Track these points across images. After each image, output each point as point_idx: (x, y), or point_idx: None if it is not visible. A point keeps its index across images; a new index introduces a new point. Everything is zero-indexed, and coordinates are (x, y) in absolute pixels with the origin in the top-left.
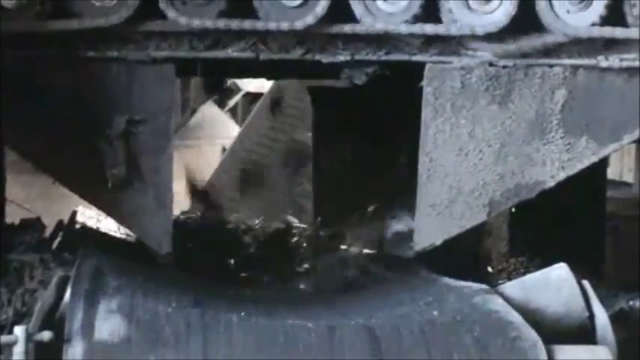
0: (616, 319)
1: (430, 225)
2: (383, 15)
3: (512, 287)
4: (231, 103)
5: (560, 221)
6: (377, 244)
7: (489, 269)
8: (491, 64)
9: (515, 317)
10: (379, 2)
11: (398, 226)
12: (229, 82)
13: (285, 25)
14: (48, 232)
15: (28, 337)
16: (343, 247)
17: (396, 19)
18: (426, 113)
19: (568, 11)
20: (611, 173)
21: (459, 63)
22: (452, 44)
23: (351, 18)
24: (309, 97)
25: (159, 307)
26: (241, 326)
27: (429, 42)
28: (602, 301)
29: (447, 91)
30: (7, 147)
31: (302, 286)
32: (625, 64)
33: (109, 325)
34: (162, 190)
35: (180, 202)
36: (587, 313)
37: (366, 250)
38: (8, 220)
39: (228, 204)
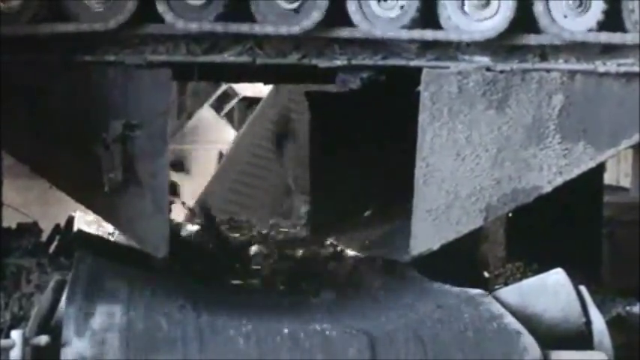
0: (613, 324)
1: (427, 230)
2: (379, 20)
3: (509, 292)
4: (228, 107)
5: (557, 226)
6: (372, 248)
7: (486, 274)
8: (488, 69)
9: (512, 322)
10: (375, 8)
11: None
12: (226, 86)
13: (283, 29)
14: (45, 237)
15: (25, 341)
16: (338, 251)
17: (392, 24)
18: (423, 118)
19: (565, 16)
20: (608, 178)
21: (456, 68)
22: (449, 49)
23: (348, 23)
24: (307, 101)
25: (155, 311)
26: (237, 330)
27: (426, 47)
28: (599, 306)
29: (444, 95)
30: (3, 151)
31: (298, 292)
32: (623, 69)
33: (105, 329)
34: (159, 194)
35: None
36: (584, 319)
37: (361, 255)
38: (5, 224)
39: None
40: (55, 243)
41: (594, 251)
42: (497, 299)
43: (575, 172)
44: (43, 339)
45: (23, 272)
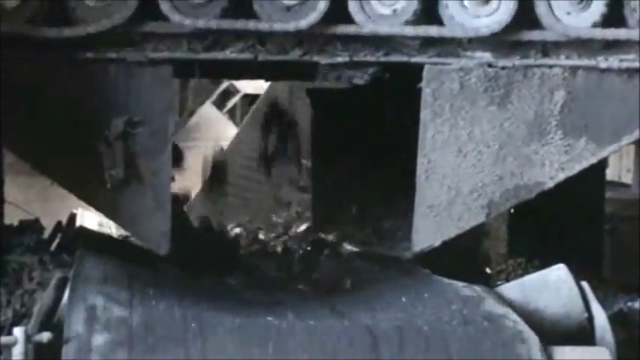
0: (615, 320)
1: (429, 226)
2: (381, 17)
3: (510, 288)
4: (230, 104)
5: (559, 222)
6: (374, 244)
7: (488, 270)
8: (490, 65)
9: (514, 318)
10: (377, 5)
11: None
12: (228, 84)
13: (289, 26)
14: (47, 234)
15: (27, 338)
16: (341, 247)
17: (393, 20)
18: (424, 114)
19: (568, 12)
20: (610, 174)
21: (457, 64)
22: (451, 46)
23: (350, 19)
24: (308, 99)
25: (158, 308)
26: (239, 327)
27: (428, 43)
28: (601, 302)
29: (445, 92)
30: (5, 148)
31: (300, 287)
32: (624, 64)
33: (107, 326)
34: (161, 191)
35: None
36: (586, 314)
37: (364, 251)
38: (7, 221)
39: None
40: (57, 240)
41: (596, 247)
42: (499, 295)
43: (577, 168)
44: (45, 336)
45: (25, 269)
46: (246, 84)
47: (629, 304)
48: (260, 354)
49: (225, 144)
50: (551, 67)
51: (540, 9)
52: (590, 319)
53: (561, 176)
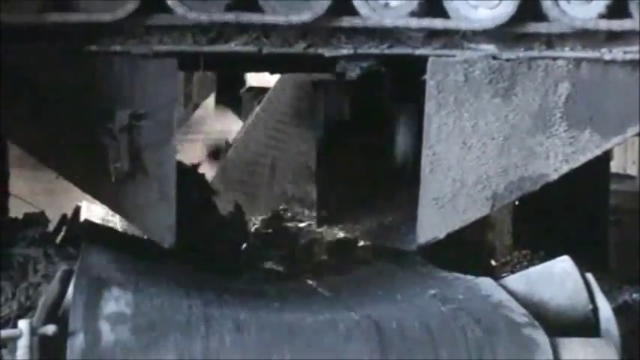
0: (620, 311)
1: (433, 218)
2: (385, 9)
3: (515, 280)
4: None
5: (563, 214)
6: (379, 236)
7: (493, 262)
8: (494, 57)
9: (520, 311)
10: None
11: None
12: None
13: (295, 19)
14: (52, 227)
15: (32, 331)
16: (345, 240)
17: (398, 12)
18: (429, 106)
19: (573, 4)
20: (615, 166)
21: (462, 56)
22: (455, 38)
23: (354, 11)
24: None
25: (163, 301)
26: (246, 321)
27: (432, 35)
28: (606, 294)
29: (450, 84)
30: (10, 141)
31: (306, 280)
32: (628, 56)
33: (113, 318)
34: (166, 184)
35: None
36: (590, 306)
37: (368, 243)
38: (12, 214)
39: None
40: (62, 233)
41: (601, 239)
42: (504, 287)
43: (582, 159)
44: (51, 328)
45: (30, 262)
46: (251, 77)
47: (634, 295)
48: (265, 345)
49: (229, 137)
50: (555, 59)
51: (545, 1)
52: (595, 310)
53: (566, 168)
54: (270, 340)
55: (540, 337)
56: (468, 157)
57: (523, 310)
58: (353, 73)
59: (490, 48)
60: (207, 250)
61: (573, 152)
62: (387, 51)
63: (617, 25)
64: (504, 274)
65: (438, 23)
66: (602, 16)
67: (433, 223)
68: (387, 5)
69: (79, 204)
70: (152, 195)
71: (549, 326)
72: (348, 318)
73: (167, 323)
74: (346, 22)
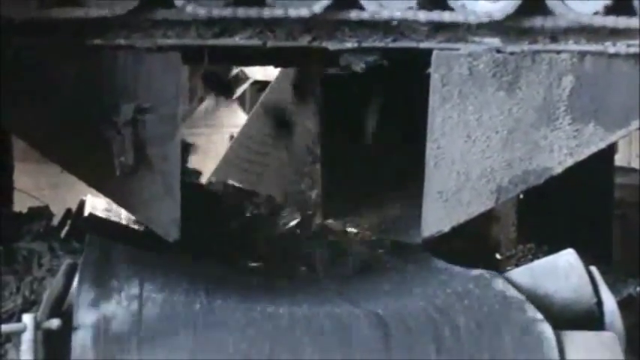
0: (624, 305)
1: (438, 212)
2: (389, 2)
3: (520, 274)
4: (239, 91)
5: (568, 208)
6: (384, 230)
7: (497, 256)
8: (498, 51)
9: (526, 304)
10: None
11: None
12: (237, 70)
13: (304, 12)
14: (56, 221)
15: (37, 325)
16: (351, 234)
17: (404, 5)
18: (433, 100)
19: None
20: (619, 159)
21: (466, 50)
22: (459, 31)
23: (358, 4)
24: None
25: (167, 295)
26: (250, 314)
27: (437, 29)
28: (611, 287)
29: (454, 77)
30: (14, 135)
31: (309, 274)
32: (632, 50)
33: (117, 312)
34: (170, 178)
35: None
36: (595, 300)
37: (373, 237)
38: (17, 208)
39: None
40: (67, 227)
41: (605, 232)
42: (509, 280)
43: (586, 153)
44: (55, 323)
45: (35, 256)
46: (256, 70)
47: (639, 289)
48: (270, 339)
49: (234, 131)
50: (559, 52)
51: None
52: (600, 304)
53: (570, 161)
54: (273, 335)
55: (546, 330)
56: (473, 151)
57: (528, 303)
58: (358, 66)
59: (494, 41)
60: (211, 243)
61: (577, 145)
62: (391, 44)
63: (623, 22)
64: (509, 268)
65: (446, 16)
66: (608, 11)
67: (438, 216)
68: None
69: (84, 198)
70: (157, 189)
71: (554, 319)
72: (351, 312)
73: (174, 319)
74: (353, 14)
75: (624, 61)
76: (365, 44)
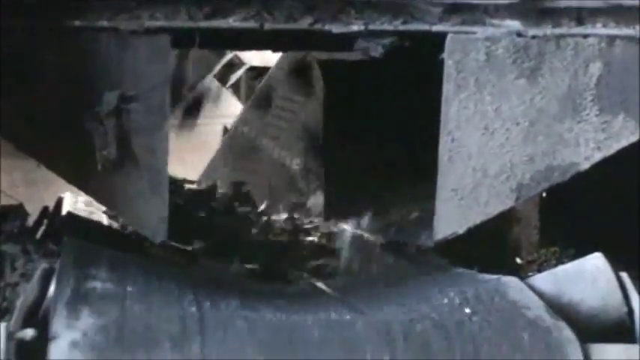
0: None
1: (452, 212)
2: None
3: (543, 280)
4: (234, 78)
5: (595, 207)
6: (392, 232)
7: (518, 260)
8: (519, 35)
9: (548, 312)
10: None
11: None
12: (232, 55)
13: None
14: (31, 221)
15: (9, 336)
16: (355, 236)
17: None
18: (447, 89)
19: None
20: None
21: (483, 33)
22: (476, 13)
23: None
24: (320, 72)
25: (152, 302)
26: (244, 322)
27: (451, 10)
28: None
29: (470, 64)
30: None
31: (310, 279)
32: None
33: (98, 322)
34: (158, 173)
35: None
36: (625, 309)
37: (380, 239)
38: None
39: None
40: (43, 227)
41: (636, 234)
42: (531, 287)
43: (615, 147)
44: (29, 333)
45: (7, 259)
46: (252, 55)
47: None
48: (266, 350)
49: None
50: (586, 36)
51: None
52: (631, 313)
53: (598, 156)
54: (270, 345)
55: (570, 342)
56: (491, 144)
57: (551, 313)
58: (375, 52)
59: (514, 24)
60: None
61: (606, 139)
62: (401, 27)
63: None
64: (531, 273)
65: None
66: None
67: (452, 216)
68: None
69: (62, 195)
70: (143, 185)
71: (580, 330)
72: (355, 318)
73: (159, 329)
74: None
75: None
76: (372, 27)
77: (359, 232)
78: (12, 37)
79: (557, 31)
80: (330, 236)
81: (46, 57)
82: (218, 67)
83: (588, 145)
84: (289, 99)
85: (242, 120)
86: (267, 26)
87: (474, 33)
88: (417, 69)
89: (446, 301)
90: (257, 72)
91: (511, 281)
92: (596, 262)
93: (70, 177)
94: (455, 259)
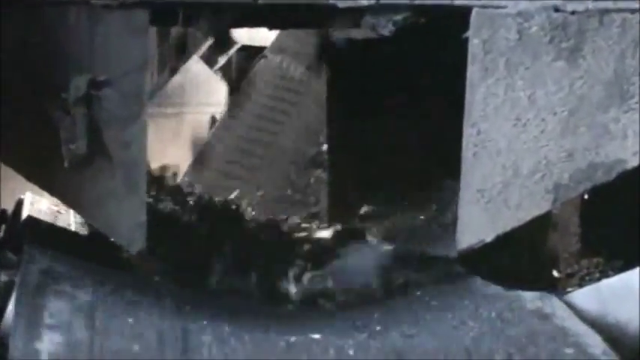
0: None
1: (478, 216)
2: None
3: (584, 296)
4: (223, 59)
5: None
6: (406, 238)
7: (555, 273)
8: (556, 10)
9: (590, 335)
10: None
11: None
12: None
13: None
14: None
15: None
16: (363, 242)
17: None
18: (472, 72)
19: None
20: None
21: (514, 8)
22: None
23: None
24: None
25: (126, 321)
26: (229, 341)
27: None
28: None
29: (499, 43)
30: None
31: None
32: None
33: (63, 343)
34: (134, 171)
35: None
36: None
37: (391, 247)
38: None
39: None
40: (0, 234)
41: None
42: (570, 305)
43: None
44: None
45: None
46: (244, 33)
47: None
48: None
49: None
50: (634, 11)
51: None
52: None
53: None
54: None
55: None
56: (523, 138)
57: (594, 335)
58: (385, 29)
59: None
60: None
61: None
62: (417, 1)
63: None
64: (570, 289)
65: None
66: None
67: (478, 222)
68: None
69: (22, 197)
70: (116, 185)
71: (626, 354)
72: (358, 341)
73: (132, 350)
74: None
75: None
76: (384, 1)
77: (369, 236)
78: None
79: (601, 4)
80: (331, 242)
81: (5, 34)
82: (205, 47)
83: (636, 138)
84: (288, 85)
85: (232, 109)
86: (262, 0)
87: (504, 7)
88: (436, 50)
89: (472, 323)
90: (250, 52)
91: (547, 298)
92: None
93: (31, 174)
94: (480, 273)
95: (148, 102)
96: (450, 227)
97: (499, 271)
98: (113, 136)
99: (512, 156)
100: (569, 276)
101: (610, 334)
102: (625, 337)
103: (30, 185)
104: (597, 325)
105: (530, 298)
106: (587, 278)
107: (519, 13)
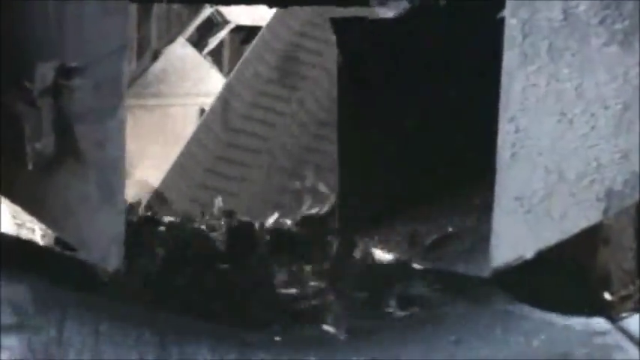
0: None
1: (516, 228)
2: None
3: None
4: (214, 42)
5: None
6: (427, 253)
7: (607, 295)
8: None
9: None
10: None
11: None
12: (211, 11)
13: None
14: None
15: None
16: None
17: None
18: (509, 59)
19: None
20: None
21: None
22: None
23: None
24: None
25: (102, 350)
26: None
27: None
28: None
29: (541, 25)
30: None
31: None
32: None
33: None
34: (110, 174)
35: None
36: None
37: (412, 265)
38: None
39: None
40: None
41: None
42: (625, 332)
43: None
44: None
45: None
46: (237, 11)
47: None
48: None
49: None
50: None
51: None
52: None
53: None
54: None
55: None
56: (569, 136)
57: None
58: (398, 7)
59: None
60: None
61: None
62: None
63: None
64: (625, 314)
65: None
66: None
67: (516, 235)
68: None
69: None
70: (89, 190)
71: None
72: None
73: None
74: None
75: None
76: None
77: (383, 249)
78: None
79: None
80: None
81: None
82: (192, 28)
83: None
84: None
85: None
86: None
87: None
88: (463, 32)
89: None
90: (245, 33)
91: (598, 325)
92: None
93: None
94: (520, 295)
95: (126, 92)
96: (482, 240)
97: (541, 293)
98: (86, 132)
99: (557, 157)
100: (624, 298)
101: None
102: None
103: None
104: None
105: (578, 325)
106: None
107: None
